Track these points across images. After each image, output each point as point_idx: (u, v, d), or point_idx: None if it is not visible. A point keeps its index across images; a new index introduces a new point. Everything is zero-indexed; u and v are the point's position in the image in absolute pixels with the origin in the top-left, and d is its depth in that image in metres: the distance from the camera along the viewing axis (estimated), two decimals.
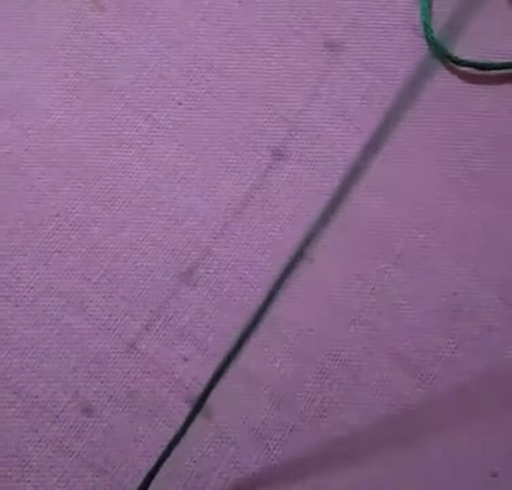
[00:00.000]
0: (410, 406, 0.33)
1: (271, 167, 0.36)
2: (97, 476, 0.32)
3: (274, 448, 0.33)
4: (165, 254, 0.35)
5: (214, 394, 0.34)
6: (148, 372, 0.34)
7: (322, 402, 0.34)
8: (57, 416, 0.33)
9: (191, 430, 0.33)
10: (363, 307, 0.34)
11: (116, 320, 0.34)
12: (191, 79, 0.37)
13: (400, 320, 0.34)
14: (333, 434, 0.33)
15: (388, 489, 0.33)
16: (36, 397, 0.33)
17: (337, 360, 0.34)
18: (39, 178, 0.36)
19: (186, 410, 0.33)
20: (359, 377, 0.34)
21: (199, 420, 0.33)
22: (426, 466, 0.33)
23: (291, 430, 0.33)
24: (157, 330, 0.33)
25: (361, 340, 0.34)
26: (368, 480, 0.33)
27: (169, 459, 0.32)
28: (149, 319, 0.34)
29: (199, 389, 0.33)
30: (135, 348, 0.33)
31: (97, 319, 0.34)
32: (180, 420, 0.33)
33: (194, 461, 0.33)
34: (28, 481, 0.32)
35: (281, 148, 0.36)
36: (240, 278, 0.35)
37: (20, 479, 0.32)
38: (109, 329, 0.34)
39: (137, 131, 0.37)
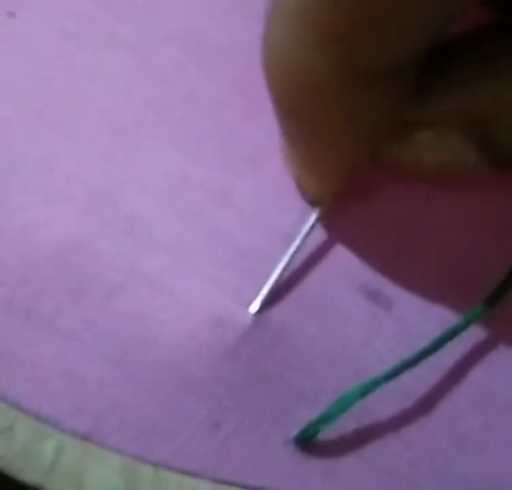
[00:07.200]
0: None
1: None
2: (269, 382, 0.28)
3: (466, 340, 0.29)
4: None
5: (390, 282, 0.29)
6: (313, 263, 0.29)
7: None
8: (219, 319, 0.28)
9: (370, 324, 0.29)
10: None
11: (267, 211, 0.30)
12: None
13: None
14: None
15: None
16: (190, 299, 0.28)
17: None
18: (161, 60, 0.31)
19: (361, 301, 0.29)
20: None
21: (377, 312, 0.29)
22: None
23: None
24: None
25: None
26: None
27: (350, 353, 0.28)
28: (304, 208, 0.30)
29: (372, 277, 0.29)
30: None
31: (246, 212, 0.30)
32: (356, 313, 0.29)
33: (380, 358, 0.28)
34: (192, 395, 0.27)
35: None
36: None
37: (181, 393, 0.27)
38: (260, 222, 0.30)
39: None
